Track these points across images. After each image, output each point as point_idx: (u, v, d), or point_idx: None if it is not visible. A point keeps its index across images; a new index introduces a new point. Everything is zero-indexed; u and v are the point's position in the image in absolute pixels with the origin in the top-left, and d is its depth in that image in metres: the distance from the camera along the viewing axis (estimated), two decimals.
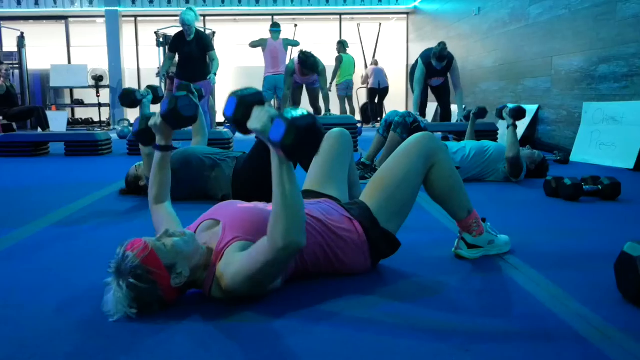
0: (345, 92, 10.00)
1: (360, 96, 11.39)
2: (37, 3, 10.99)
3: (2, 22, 11.12)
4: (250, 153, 2.91)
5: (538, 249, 2.01)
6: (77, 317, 1.43)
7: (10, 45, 10.88)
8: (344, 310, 1.45)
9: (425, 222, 2.47)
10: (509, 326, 1.34)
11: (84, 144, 5.70)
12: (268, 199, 1.92)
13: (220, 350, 1.25)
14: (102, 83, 10.78)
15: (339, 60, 9.88)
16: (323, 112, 6.98)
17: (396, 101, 11.57)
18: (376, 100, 10.80)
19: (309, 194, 1.91)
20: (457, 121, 6.43)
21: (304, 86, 7.39)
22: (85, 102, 11.30)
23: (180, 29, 6.27)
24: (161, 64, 9.08)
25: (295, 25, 11.27)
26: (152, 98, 3.11)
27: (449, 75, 6.37)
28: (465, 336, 1.28)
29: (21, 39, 10.20)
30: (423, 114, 6.67)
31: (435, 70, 6.23)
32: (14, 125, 8.50)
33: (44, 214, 2.75)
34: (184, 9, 6.24)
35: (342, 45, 9.97)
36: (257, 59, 8.32)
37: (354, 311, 1.44)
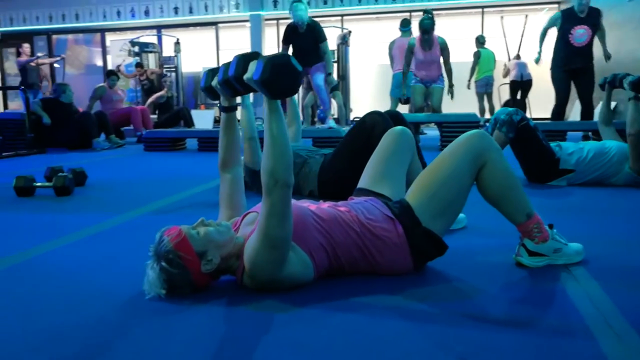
0: (485, 89, 9.55)
1: (502, 93, 10.80)
2: (191, 11, 12.01)
3: (162, 30, 12.34)
4: (336, 150, 2.92)
5: (618, 262, 1.77)
6: (122, 294, 1.56)
7: (168, 51, 11.99)
8: (365, 307, 1.41)
9: (494, 225, 2.28)
10: (528, 341, 1.20)
11: (213, 140, 6.12)
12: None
13: (226, 333, 1.29)
14: None
15: (476, 56, 9.46)
16: (447, 86, 6.61)
17: (544, 96, 10.79)
18: (518, 95, 10.14)
19: (361, 192, 1.89)
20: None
21: (428, 89, 7.11)
22: None
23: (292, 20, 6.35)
24: None
25: None
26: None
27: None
28: (472, 346, 1.17)
29: (177, 45, 11.20)
30: (563, 112, 6.13)
31: (576, 17, 5.62)
32: None
33: (148, 202, 3.02)
34: (300, 6, 6.15)
35: (477, 41, 9.55)
36: None
37: (374, 309, 1.40)
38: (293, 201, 1.65)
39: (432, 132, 8.91)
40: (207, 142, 6.18)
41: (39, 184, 3.29)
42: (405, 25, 8.16)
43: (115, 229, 2.44)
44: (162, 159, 5.45)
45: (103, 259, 1.95)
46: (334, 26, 11.54)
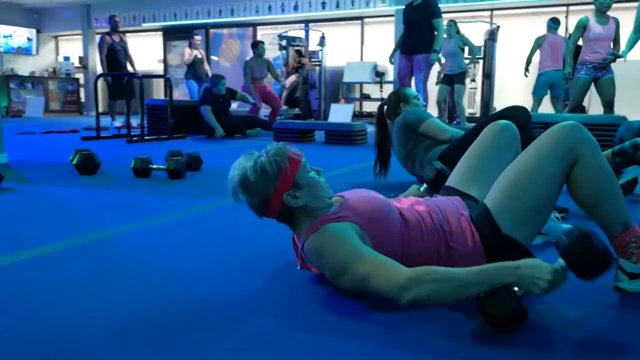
0: None
1: None
2: (338, 6, 12.11)
3: (310, 24, 12.61)
4: (462, 137, 2.73)
5: None
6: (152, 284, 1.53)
7: (314, 45, 12.21)
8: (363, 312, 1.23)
9: None
10: None
11: (340, 133, 6.09)
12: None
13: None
14: (386, 79, 11.33)
15: None
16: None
17: None
18: None
19: (449, 190, 1.71)
20: None
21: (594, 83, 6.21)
22: (372, 96, 12.03)
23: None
24: None
25: None
26: None
27: None
28: None
29: (322, 39, 11.37)
30: None
31: None
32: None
33: None
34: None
35: None
36: None
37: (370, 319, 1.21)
38: (379, 196, 1.53)
39: None
40: (334, 135, 6.16)
41: (154, 166, 3.46)
42: (556, 22, 7.50)
43: (202, 213, 2.46)
44: None
45: (166, 245, 1.96)
46: (482, 21, 10.94)
